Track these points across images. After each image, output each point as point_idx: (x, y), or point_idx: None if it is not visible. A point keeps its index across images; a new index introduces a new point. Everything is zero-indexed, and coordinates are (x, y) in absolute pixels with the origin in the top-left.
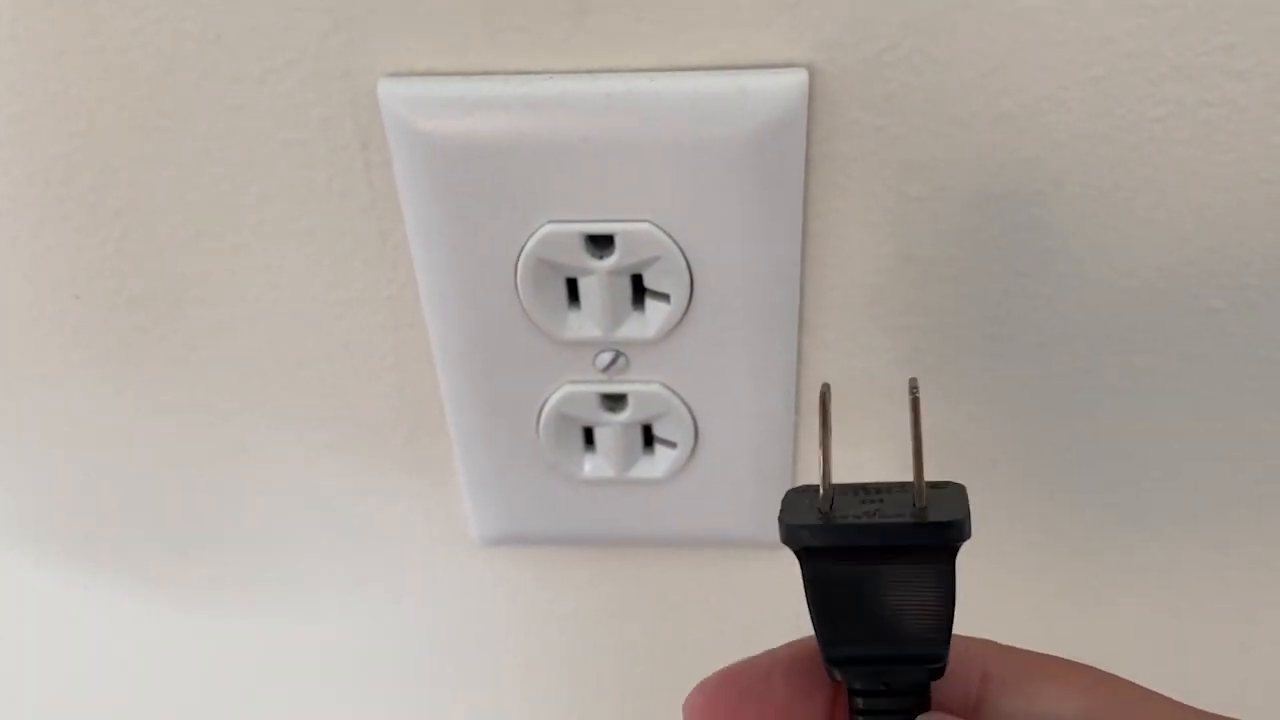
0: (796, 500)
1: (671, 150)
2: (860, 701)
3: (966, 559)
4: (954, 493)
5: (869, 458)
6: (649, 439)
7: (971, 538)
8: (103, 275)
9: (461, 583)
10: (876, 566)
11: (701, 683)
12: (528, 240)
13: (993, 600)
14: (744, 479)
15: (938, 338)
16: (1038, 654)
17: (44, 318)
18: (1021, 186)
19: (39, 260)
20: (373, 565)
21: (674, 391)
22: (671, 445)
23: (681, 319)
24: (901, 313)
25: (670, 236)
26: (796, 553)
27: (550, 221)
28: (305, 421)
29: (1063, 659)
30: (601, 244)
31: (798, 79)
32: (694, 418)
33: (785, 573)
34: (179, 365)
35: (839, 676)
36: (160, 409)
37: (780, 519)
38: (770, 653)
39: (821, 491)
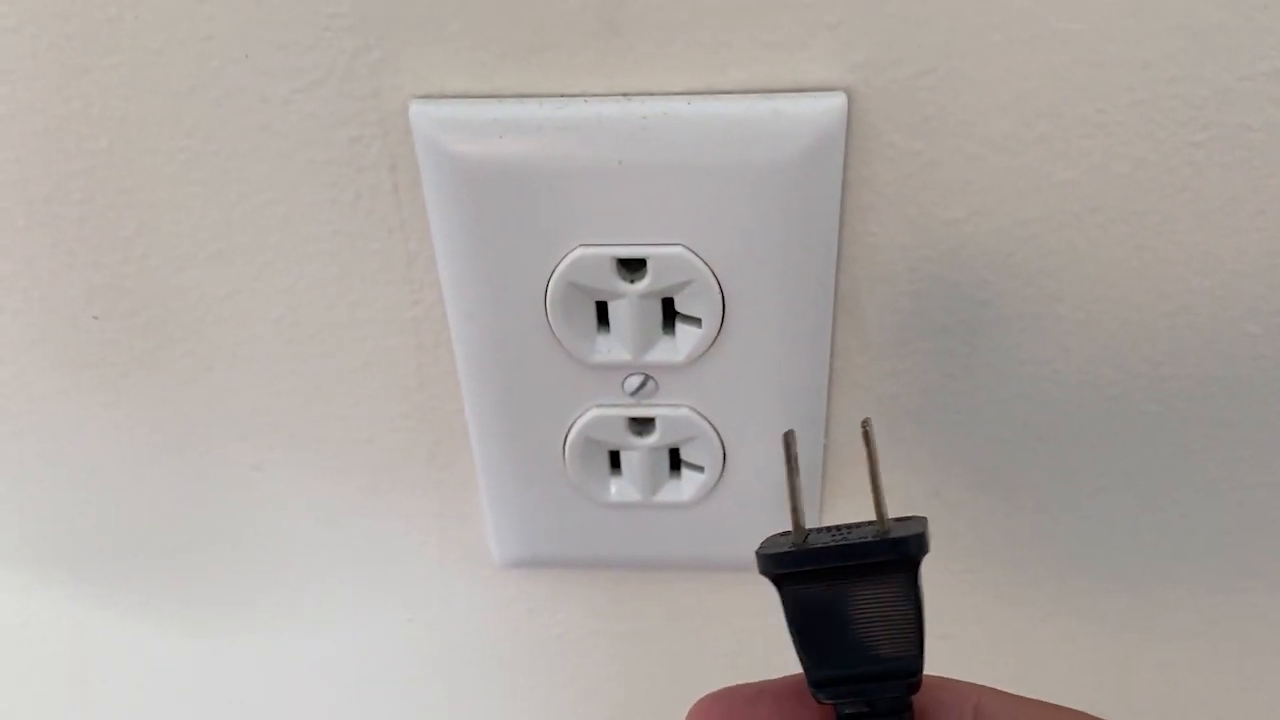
0: (774, 540)
1: (706, 174)
2: None
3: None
4: (916, 521)
5: (898, 480)
6: (675, 462)
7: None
8: (121, 295)
9: (478, 603)
10: (846, 587)
11: (692, 707)
12: (559, 263)
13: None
14: (771, 504)
15: (972, 362)
16: (1032, 699)
17: (61, 337)
18: (1057, 210)
19: (57, 279)
20: (388, 584)
21: (703, 415)
22: (699, 469)
23: (712, 343)
24: (935, 337)
25: (703, 260)
26: (774, 581)
27: (582, 245)
28: (323, 441)
29: (1056, 705)
30: (633, 267)
31: (836, 102)
32: (722, 442)
33: None
34: (196, 386)
35: (824, 699)
36: (175, 429)
37: (757, 553)
38: (764, 680)
39: (793, 527)
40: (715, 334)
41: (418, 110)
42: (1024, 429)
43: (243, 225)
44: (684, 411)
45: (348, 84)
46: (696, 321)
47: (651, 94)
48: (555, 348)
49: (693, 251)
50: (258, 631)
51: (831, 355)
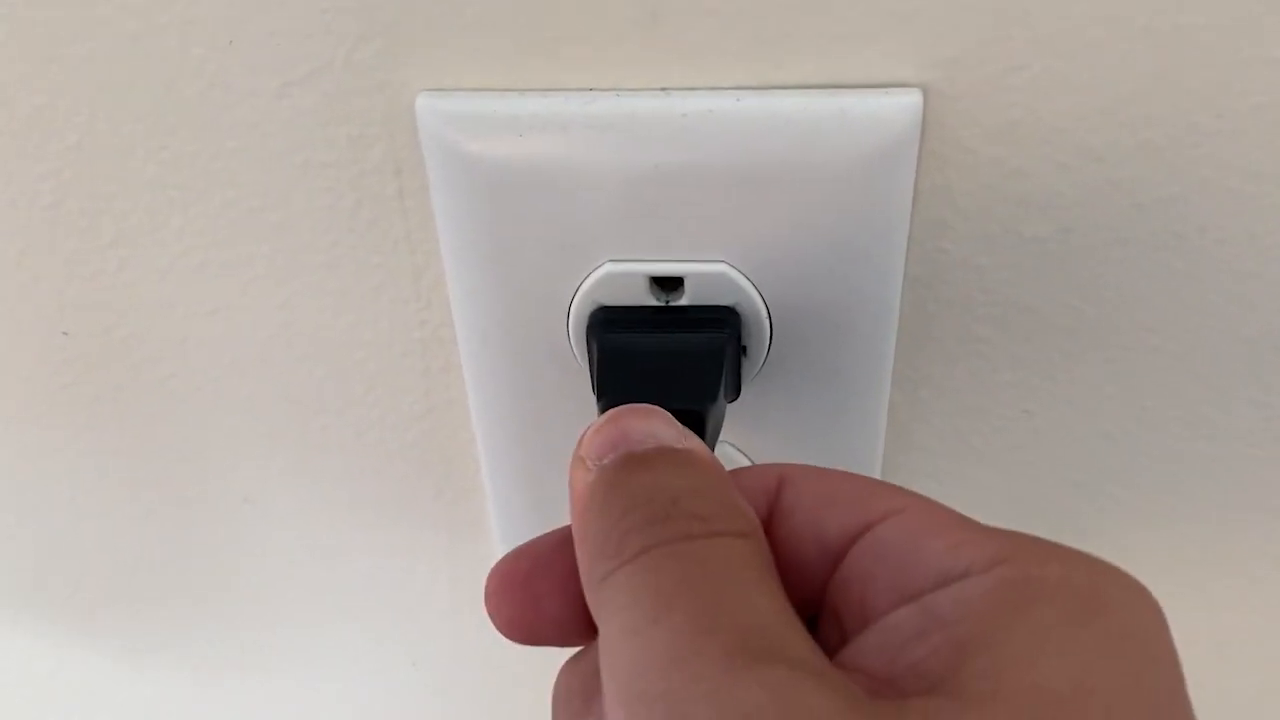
0: None
1: (756, 181)
2: None
3: None
4: None
5: None
6: None
7: None
8: (95, 309)
9: (490, 650)
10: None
11: (498, 562)
12: (584, 280)
13: None
14: None
15: (1051, 397)
16: (837, 470)
17: (29, 354)
18: (1159, 230)
19: (25, 292)
20: (391, 628)
21: (745, 454)
22: None
23: (757, 374)
24: (1010, 369)
25: (749, 280)
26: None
27: (611, 260)
28: (321, 473)
29: (861, 475)
30: (669, 286)
31: (910, 100)
32: None
33: None
34: (179, 410)
35: None
36: (157, 457)
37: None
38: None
39: None
40: (761, 364)
41: (425, 104)
42: (1101, 473)
43: (229, 234)
44: (726, 449)
45: (348, 76)
46: (741, 349)
47: (695, 89)
48: (579, 375)
49: (738, 269)
50: (249, 678)
51: (891, 387)
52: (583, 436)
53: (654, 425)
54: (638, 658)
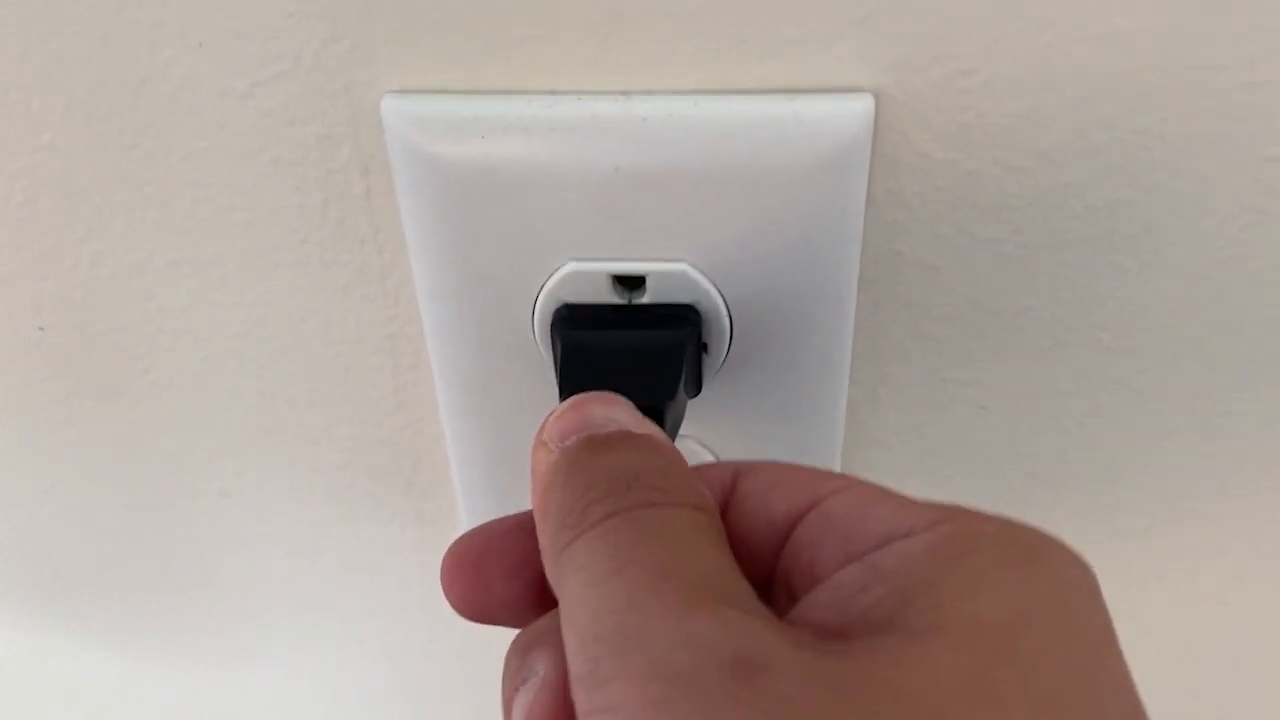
0: None
1: (715, 183)
2: None
3: None
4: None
5: None
6: None
7: None
8: (70, 306)
9: (463, 643)
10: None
11: (454, 542)
12: (547, 279)
13: None
14: None
15: (1006, 393)
16: (789, 463)
17: (5, 349)
18: (1110, 231)
19: (0, 287)
20: (365, 620)
21: (708, 448)
22: None
23: (718, 370)
24: (965, 366)
25: (709, 279)
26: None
27: (573, 259)
28: (293, 467)
29: (814, 468)
30: (631, 285)
31: (862, 105)
32: None
33: None
34: (155, 404)
35: None
36: (133, 450)
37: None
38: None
39: None
40: (722, 361)
41: (391, 106)
42: (1060, 465)
43: (202, 231)
44: (688, 444)
45: (315, 77)
46: (701, 347)
47: (654, 92)
48: (544, 371)
49: (697, 269)
50: (223, 669)
51: (849, 384)
52: (545, 421)
53: (615, 411)
54: (597, 606)
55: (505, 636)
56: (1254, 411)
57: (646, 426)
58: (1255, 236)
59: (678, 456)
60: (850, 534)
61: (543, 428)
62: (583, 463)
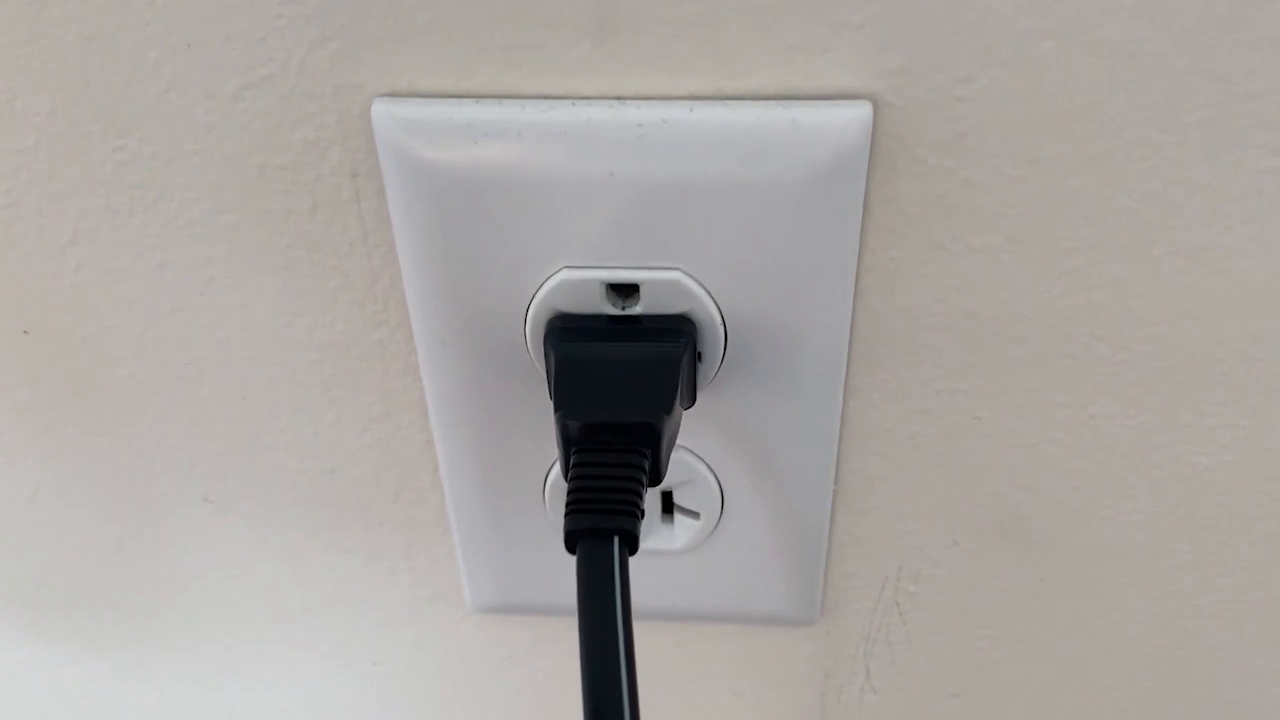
0: None
1: (710, 190)
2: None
3: None
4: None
5: (913, 528)
6: (667, 505)
7: None
8: (55, 310)
9: (450, 649)
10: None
11: None
12: (540, 287)
13: None
14: (771, 553)
15: (1001, 403)
16: None
17: None
18: (1107, 240)
19: None
20: (352, 627)
21: (699, 457)
22: (694, 515)
23: (713, 377)
24: (960, 376)
25: (703, 287)
26: (548, 337)
27: (567, 266)
28: (280, 473)
29: None
30: (624, 292)
31: (860, 112)
32: (720, 486)
33: (810, 649)
34: (139, 408)
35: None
36: (117, 455)
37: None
38: None
39: None
40: (716, 370)
41: (381, 110)
42: (1055, 477)
43: (188, 235)
44: (680, 453)
45: (304, 80)
46: (700, 356)
47: (649, 98)
48: (536, 379)
49: (691, 277)
50: (209, 677)
51: (845, 393)
52: None
53: None
54: None
55: (493, 646)
56: (1250, 426)
57: None
58: (1256, 248)
59: None
60: None
61: None
62: None
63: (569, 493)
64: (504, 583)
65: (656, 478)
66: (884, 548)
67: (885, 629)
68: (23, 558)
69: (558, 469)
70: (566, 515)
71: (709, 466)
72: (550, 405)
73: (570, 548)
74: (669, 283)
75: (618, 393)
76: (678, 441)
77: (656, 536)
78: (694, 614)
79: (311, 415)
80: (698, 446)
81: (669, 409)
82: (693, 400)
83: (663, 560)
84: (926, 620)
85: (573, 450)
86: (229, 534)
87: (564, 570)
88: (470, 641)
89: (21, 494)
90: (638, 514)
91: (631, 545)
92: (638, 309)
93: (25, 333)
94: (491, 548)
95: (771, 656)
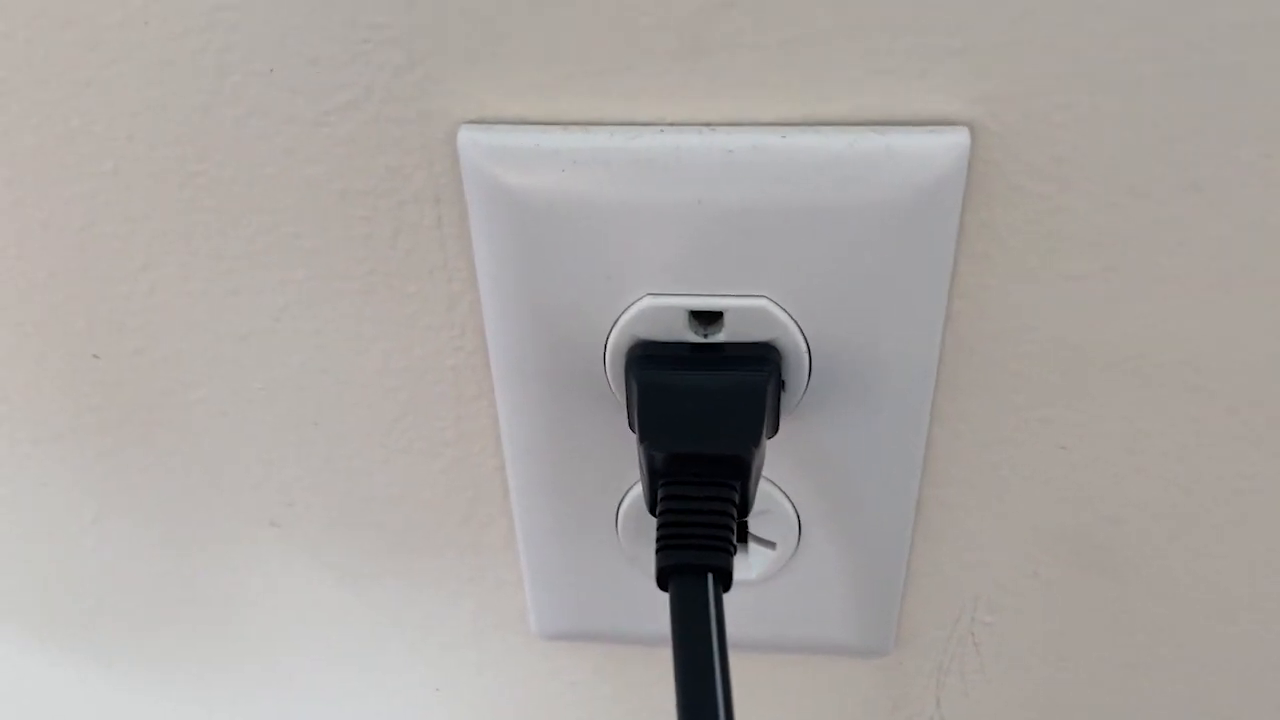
0: None
1: (802, 217)
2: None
3: None
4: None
5: (992, 558)
6: (742, 534)
7: None
8: (126, 333)
9: (513, 676)
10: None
11: None
12: (623, 313)
13: None
14: (847, 583)
15: (1088, 432)
16: None
17: (58, 376)
18: (1206, 268)
19: (55, 313)
20: (415, 652)
21: (777, 486)
22: (769, 545)
23: (796, 405)
24: (1048, 404)
25: (789, 315)
26: (629, 365)
27: (650, 294)
28: (348, 496)
29: None
30: (707, 320)
31: (957, 139)
32: (798, 516)
33: (879, 678)
34: (207, 432)
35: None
36: (183, 478)
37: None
38: None
39: None
40: (799, 399)
41: (467, 137)
42: (1139, 508)
43: (264, 260)
44: (761, 486)
45: (388, 105)
46: (783, 385)
47: (739, 124)
48: (613, 407)
49: (777, 304)
50: (272, 700)
51: (932, 419)
52: None
53: None
54: None
55: (556, 674)
56: None
57: None
58: None
59: None
60: None
61: None
62: None
63: (659, 527)
64: (570, 610)
65: (745, 510)
66: (962, 577)
67: (959, 659)
68: (84, 578)
69: (631, 497)
70: (658, 551)
71: (787, 496)
72: (626, 433)
73: (662, 584)
74: (754, 310)
75: (704, 423)
76: None
77: None
78: (765, 644)
79: (383, 440)
80: (776, 475)
81: (757, 440)
82: (775, 429)
83: (738, 591)
84: (1001, 651)
85: (660, 482)
86: (294, 558)
87: (632, 598)
88: (533, 668)
89: (85, 514)
90: (730, 549)
91: (725, 581)
92: (720, 336)
93: (95, 356)
94: (559, 574)
95: (839, 686)
